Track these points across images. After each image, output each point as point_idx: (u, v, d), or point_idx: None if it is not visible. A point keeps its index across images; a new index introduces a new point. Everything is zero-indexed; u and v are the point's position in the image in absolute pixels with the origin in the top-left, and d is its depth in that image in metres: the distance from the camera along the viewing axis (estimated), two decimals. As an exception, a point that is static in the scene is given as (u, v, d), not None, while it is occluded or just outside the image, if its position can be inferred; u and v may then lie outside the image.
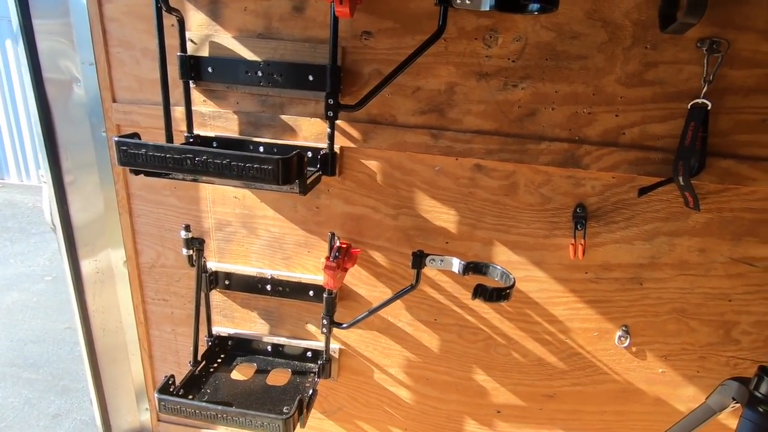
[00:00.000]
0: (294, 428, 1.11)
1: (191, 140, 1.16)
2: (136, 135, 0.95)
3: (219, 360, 1.38)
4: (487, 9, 0.95)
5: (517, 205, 1.17)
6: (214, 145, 1.18)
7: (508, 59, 1.05)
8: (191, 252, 1.21)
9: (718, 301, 1.19)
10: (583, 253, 1.13)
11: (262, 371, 1.35)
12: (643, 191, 1.08)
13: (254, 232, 1.30)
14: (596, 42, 1.01)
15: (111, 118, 1.22)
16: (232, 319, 1.42)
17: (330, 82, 1.03)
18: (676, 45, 0.99)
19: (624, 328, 1.25)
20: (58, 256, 4.02)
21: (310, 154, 1.16)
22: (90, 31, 1.14)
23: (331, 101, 1.04)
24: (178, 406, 1.10)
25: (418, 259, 1.12)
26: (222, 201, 1.28)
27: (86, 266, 1.40)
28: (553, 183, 1.14)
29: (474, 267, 1.10)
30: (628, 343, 1.26)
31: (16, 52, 5.97)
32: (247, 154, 0.85)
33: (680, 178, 1.02)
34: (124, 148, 0.87)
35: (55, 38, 1.16)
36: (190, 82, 1.14)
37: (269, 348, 1.41)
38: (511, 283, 1.01)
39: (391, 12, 1.05)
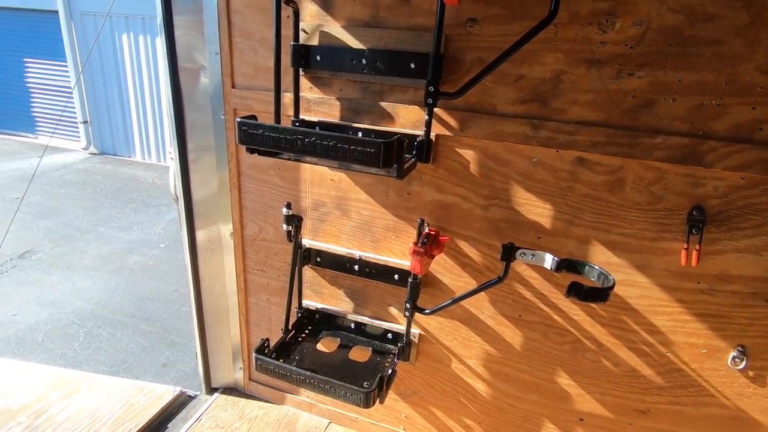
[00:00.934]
0: (374, 402, 1.16)
1: (297, 124, 1.24)
2: (254, 117, 1.04)
3: (306, 331, 1.48)
4: (606, -9, 0.89)
5: (622, 203, 1.09)
6: (317, 129, 1.26)
7: (626, 45, 0.98)
8: (290, 228, 1.31)
9: None
10: (698, 260, 1.03)
11: (344, 346, 1.43)
12: (781, 195, 0.94)
13: (347, 213, 1.37)
14: (735, 25, 0.90)
15: (230, 102, 1.35)
16: (321, 294, 1.52)
17: (432, 69, 1.04)
18: (841, 26, 0.85)
19: (740, 349, 1.11)
20: (171, 226, 4.56)
21: (406, 140, 1.18)
22: (218, 23, 1.27)
23: (431, 89, 1.05)
24: (271, 367, 1.21)
25: (509, 252, 1.10)
26: (320, 182, 1.36)
27: (200, 235, 1.58)
28: (666, 181, 1.04)
29: (568, 264, 1.05)
30: (744, 365, 1.12)
31: (146, 48, 6.84)
32: (351, 137, 0.90)
33: (832, 183, 0.88)
34: (245, 128, 0.97)
35: (190, 32, 1.31)
36: (300, 69, 1.22)
37: (352, 325, 1.48)
38: (611, 284, 0.95)
39: (499, -2, 1.03)
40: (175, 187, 1.60)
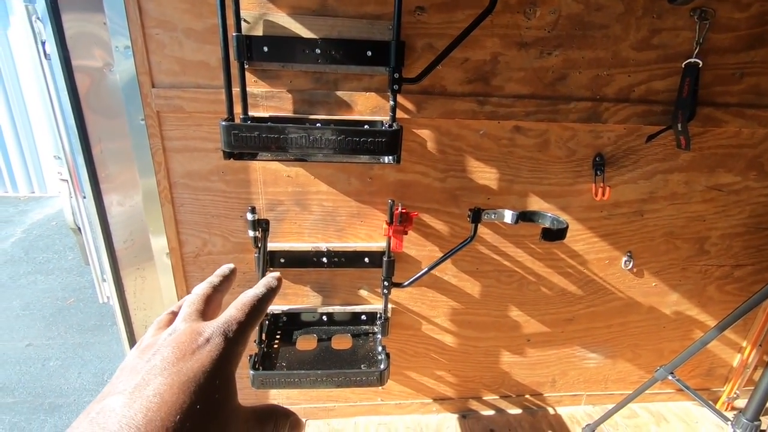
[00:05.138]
0: (387, 380, 1.22)
1: (248, 122, 1.16)
2: (230, 119, 0.94)
3: (278, 337, 1.43)
4: (531, -15, 1.07)
5: (548, 159, 1.35)
6: (269, 124, 1.19)
7: (545, 30, 1.19)
8: (257, 233, 1.23)
9: (695, 222, 1.50)
10: (608, 195, 1.35)
11: (323, 340, 1.43)
12: (651, 137, 1.31)
13: (307, 208, 1.34)
14: (615, 13, 1.19)
15: (150, 104, 1.16)
16: (284, 296, 1.46)
17: (395, 57, 1.09)
18: (675, 14, 1.20)
19: (629, 254, 1.52)
20: (-17, 271, 3.55)
21: (366, 127, 1.22)
22: (125, 12, 1.07)
23: (396, 75, 1.10)
24: (275, 378, 1.15)
25: (477, 214, 1.26)
26: (274, 181, 1.29)
27: (125, 262, 1.34)
28: (578, 137, 1.33)
29: (524, 216, 1.26)
30: (632, 265, 1.53)
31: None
32: (359, 129, 0.90)
33: (679, 125, 1.27)
34: (236, 132, 0.87)
35: (86, 23, 1.07)
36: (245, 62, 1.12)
37: (324, 318, 1.48)
38: (564, 225, 1.19)
39: (443, -12, 1.13)
40: (74, 213, 1.31)
